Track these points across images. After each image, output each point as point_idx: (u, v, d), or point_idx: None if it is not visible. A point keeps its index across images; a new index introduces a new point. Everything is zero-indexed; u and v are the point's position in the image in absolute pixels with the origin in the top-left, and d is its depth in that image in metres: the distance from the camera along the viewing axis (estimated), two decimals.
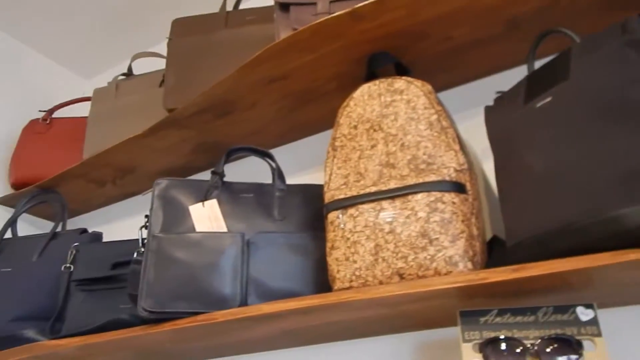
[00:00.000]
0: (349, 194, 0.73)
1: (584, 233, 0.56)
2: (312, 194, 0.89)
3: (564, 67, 0.66)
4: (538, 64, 0.73)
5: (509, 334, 0.61)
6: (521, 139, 0.67)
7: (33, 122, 1.47)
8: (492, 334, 0.61)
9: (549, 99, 0.66)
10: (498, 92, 0.77)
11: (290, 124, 1.08)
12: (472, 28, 0.83)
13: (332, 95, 0.98)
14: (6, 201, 1.40)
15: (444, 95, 0.96)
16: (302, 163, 1.12)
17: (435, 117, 0.74)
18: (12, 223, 1.26)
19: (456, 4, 0.78)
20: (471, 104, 0.94)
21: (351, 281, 0.68)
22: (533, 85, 0.70)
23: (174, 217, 0.85)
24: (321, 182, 0.89)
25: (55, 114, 1.47)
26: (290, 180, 0.94)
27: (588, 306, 0.60)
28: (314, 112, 1.04)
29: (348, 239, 0.70)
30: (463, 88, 0.98)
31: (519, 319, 0.61)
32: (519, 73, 0.91)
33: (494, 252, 0.72)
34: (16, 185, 1.38)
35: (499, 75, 0.94)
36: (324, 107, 1.02)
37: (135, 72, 1.35)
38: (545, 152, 0.63)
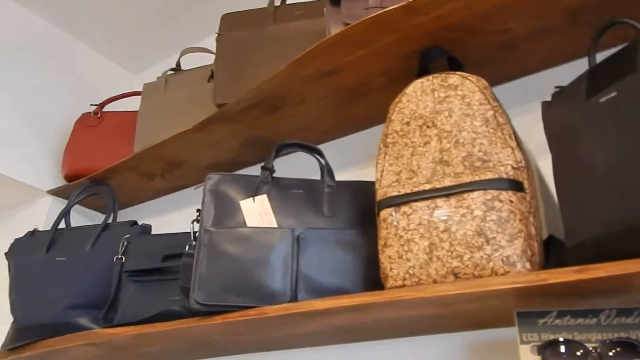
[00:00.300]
0: (402, 191, 0.73)
1: None
2: (361, 190, 0.90)
3: (631, 60, 0.64)
4: (599, 57, 0.71)
5: (569, 337, 0.60)
6: (583, 135, 0.66)
7: (85, 116, 1.53)
8: (551, 336, 0.60)
9: (613, 94, 0.65)
10: (557, 87, 0.75)
11: (338, 119, 1.09)
12: (530, 19, 0.82)
13: (382, 90, 0.98)
14: (59, 192, 1.47)
15: (497, 90, 0.95)
16: (349, 159, 1.13)
17: (491, 113, 0.74)
18: (65, 214, 1.33)
19: None
20: (525, 99, 0.92)
21: (404, 279, 0.69)
22: (595, 79, 0.69)
23: (225, 211, 0.88)
24: (367, 178, 0.90)
25: (106, 108, 1.53)
26: (336, 176, 0.95)
27: None
28: (363, 107, 1.05)
29: (401, 236, 0.71)
30: (517, 82, 0.97)
31: (579, 321, 0.61)
32: (577, 67, 0.89)
33: (552, 252, 0.71)
34: (69, 177, 1.45)
35: (555, 69, 0.92)
36: (373, 103, 1.02)
37: (183, 67, 1.39)
38: (610, 150, 0.62)
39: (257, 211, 0.87)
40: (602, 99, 0.66)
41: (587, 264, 0.58)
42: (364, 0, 0.93)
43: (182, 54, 1.40)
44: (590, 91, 0.68)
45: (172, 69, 1.40)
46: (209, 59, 1.32)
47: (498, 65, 0.92)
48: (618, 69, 0.66)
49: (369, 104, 1.03)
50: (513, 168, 0.69)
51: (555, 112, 0.73)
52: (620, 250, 0.58)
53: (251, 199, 0.88)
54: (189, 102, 1.28)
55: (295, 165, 1.11)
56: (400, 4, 0.79)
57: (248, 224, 0.86)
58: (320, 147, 1.13)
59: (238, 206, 0.88)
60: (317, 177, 0.96)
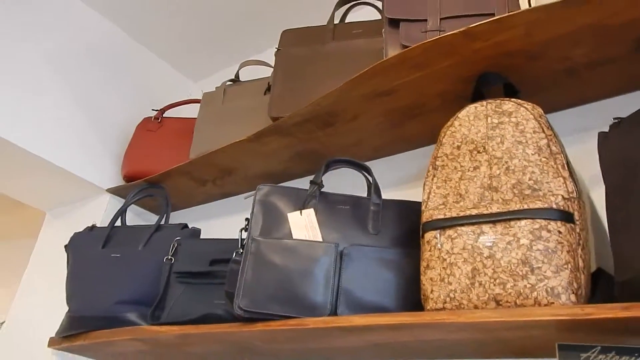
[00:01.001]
0: (448, 214, 0.75)
1: None
2: (407, 210, 0.92)
3: None
4: None
5: None
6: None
7: (146, 120, 1.63)
8: None
9: None
10: (615, 118, 0.75)
11: (390, 137, 1.12)
12: (594, 48, 0.82)
13: (436, 112, 1.00)
14: (118, 191, 1.57)
15: (553, 117, 0.95)
16: (398, 177, 1.15)
17: (544, 141, 0.75)
18: (122, 212, 1.41)
19: (581, 23, 0.77)
20: (582, 128, 0.92)
21: (445, 302, 0.70)
22: None
23: (272, 222, 0.92)
24: (416, 198, 0.92)
25: (166, 114, 1.63)
26: (385, 193, 0.97)
27: None
28: (414, 128, 1.07)
29: (444, 260, 0.72)
30: (575, 110, 0.96)
31: (624, 358, 0.60)
32: (638, 98, 0.88)
33: (600, 286, 0.71)
34: (127, 178, 1.55)
35: (615, 98, 0.91)
36: (425, 124, 1.04)
37: (242, 78, 1.46)
38: None
39: (304, 224, 0.91)
40: None
41: (637, 301, 0.58)
42: (422, 23, 0.96)
43: (241, 66, 1.46)
44: None
45: (230, 80, 1.47)
46: (266, 72, 1.38)
47: (556, 92, 0.92)
48: None
49: (422, 124, 1.05)
50: (564, 198, 0.69)
51: (612, 144, 0.73)
52: None
53: (299, 211, 0.92)
54: (246, 113, 1.34)
55: (345, 180, 1.15)
56: (460, 30, 0.81)
57: (294, 236, 0.89)
58: (371, 163, 1.17)
59: (286, 218, 0.92)
60: (365, 193, 0.98)
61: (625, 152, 0.69)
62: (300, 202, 0.94)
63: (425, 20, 0.96)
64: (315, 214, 0.92)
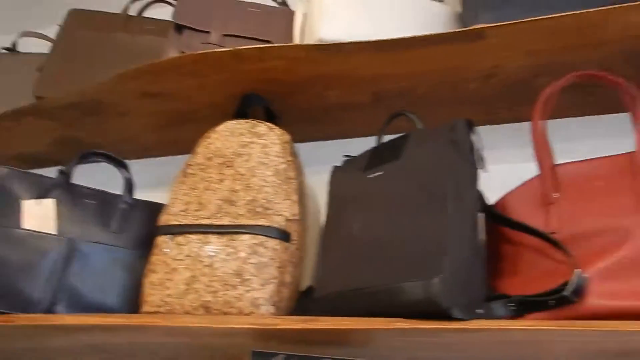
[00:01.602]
0: (184, 221, 0.78)
1: (372, 298, 0.65)
2: (157, 212, 0.92)
3: (399, 148, 0.77)
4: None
5: None
6: (349, 202, 0.77)
7: None
8: None
9: (380, 173, 0.77)
10: (346, 156, 0.87)
11: (158, 139, 1.12)
12: (343, 92, 0.94)
13: (205, 122, 1.01)
14: None
15: (305, 146, 1.04)
16: (162, 179, 1.14)
17: (283, 166, 0.82)
18: None
19: (332, 69, 0.87)
20: (331, 160, 1.03)
21: (159, 306, 0.73)
22: (374, 156, 0.81)
23: (4, 209, 0.85)
24: None
25: None
26: (145, 194, 0.97)
27: None
28: (185, 134, 1.07)
29: (168, 265, 0.75)
30: (333, 143, 1.08)
31: None
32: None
33: (304, 302, 0.80)
34: None
35: (361, 139, 1.04)
36: (195, 131, 1.04)
37: (22, 49, 1.33)
38: (363, 219, 0.73)
39: (40, 214, 0.86)
40: (371, 175, 0.77)
41: (323, 315, 0.66)
42: (205, 35, 1.00)
43: (21, 35, 1.34)
44: (367, 166, 0.80)
45: (6, 48, 1.33)
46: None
47: (312, 124, 1.02)
48: (389, 153, 0.78)
49: (192, 131, 1.05)
50: (287, 220, 0.77)
51: (338, 177, 0.84)
52: (351, 308, 0.67)
53: (35, 200, 0.86)
54: (13, 88, 1.22)
55: (106, 175, 1.11)
56: (229, 49, 0.86)
57: (24, 226, 0.84)
58: (139, 162, 1.15)
59: (20, 205, 0.86)
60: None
61: (342, 187, 0.80)
62: (43, 190, 0.88)
63: (209, 32, 1.00)
64: (58, 205, 0.87)
